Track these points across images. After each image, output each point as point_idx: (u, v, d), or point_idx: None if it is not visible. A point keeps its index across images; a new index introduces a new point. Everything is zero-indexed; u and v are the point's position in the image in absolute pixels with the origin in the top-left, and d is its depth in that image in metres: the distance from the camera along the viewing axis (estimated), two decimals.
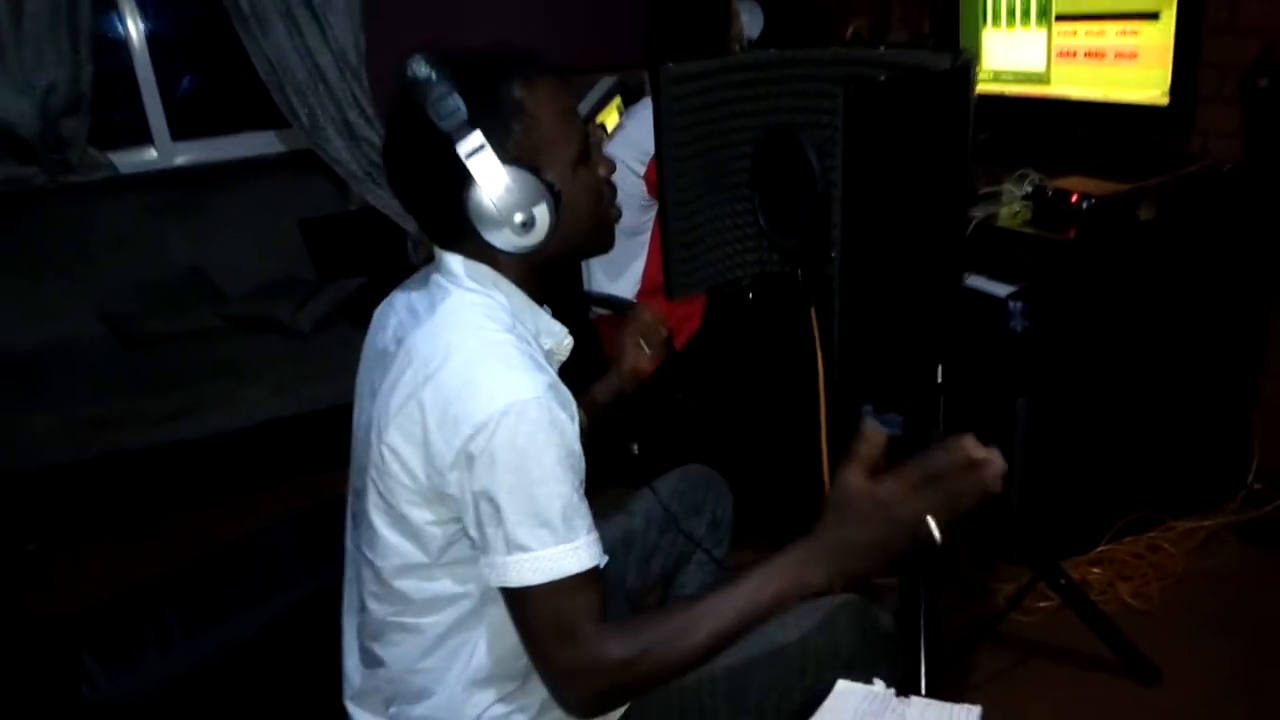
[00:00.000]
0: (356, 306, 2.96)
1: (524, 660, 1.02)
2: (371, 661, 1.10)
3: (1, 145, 2.91)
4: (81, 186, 3.06)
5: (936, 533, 0.90)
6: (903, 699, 0.92)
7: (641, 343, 1.44)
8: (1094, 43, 2.16)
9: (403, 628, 1.05)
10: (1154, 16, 2.01)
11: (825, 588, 0.95)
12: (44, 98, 2.89)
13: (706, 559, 1.43)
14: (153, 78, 3.22)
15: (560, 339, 1.11)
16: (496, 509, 0.92)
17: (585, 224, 1.07)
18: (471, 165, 0.96)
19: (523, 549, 0.92)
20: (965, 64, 1.01)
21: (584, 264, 2.30)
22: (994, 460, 0.90)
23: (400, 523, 1.00)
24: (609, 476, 1.51)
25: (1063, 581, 1.74)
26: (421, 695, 1.06)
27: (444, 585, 1.02)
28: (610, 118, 2.82)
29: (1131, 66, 2.09)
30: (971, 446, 0.90)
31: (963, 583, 1.99)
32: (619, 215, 1.14)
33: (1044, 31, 2.27)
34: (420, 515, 0.98)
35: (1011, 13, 2.35)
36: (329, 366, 2.75)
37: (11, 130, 2.88)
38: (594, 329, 2.35)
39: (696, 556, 1.43)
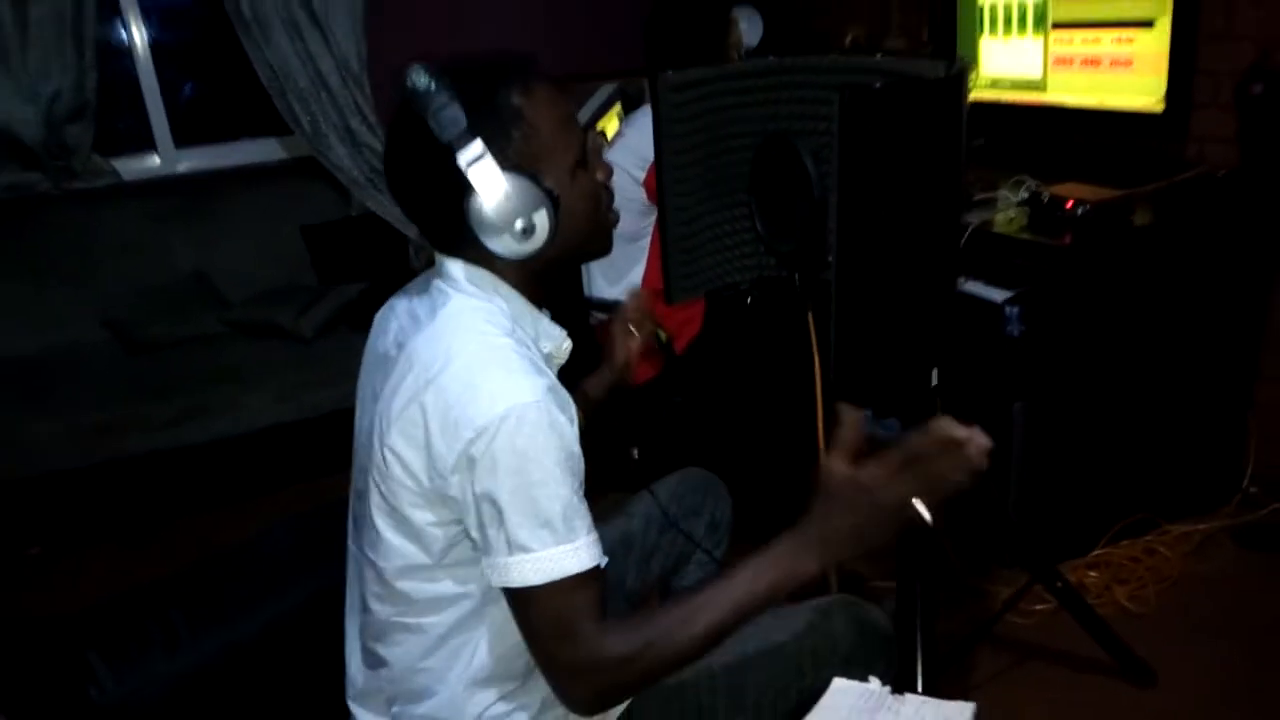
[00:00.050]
0: (358, 312, 2.97)
1: (525, 659, 1.04)
2: (374, 662, 1.11)
3: (6, 152, 2.93)
4: (85, 193, 3.08)
5: (925, 513, 0.92)
6: (898, 696, 0.94)
7: (631, 329, 1.45)
8: (1090, 50, 2.18)
9: (405, 628, 1.06)
10: (1149, 24, 2.03)
11: (818, 575, 0.97)
12: (49, 105, 2.91)
13: (706, 559, 1.44)
14: (156, 85, 3.25)
15: (559, 342, 1.12)
16: (498, 511, 0.93)
17: (584, 229, 1.09)
18: (472, 174, 0.97)
19: (524, 550, 0.93)
20: (959, 72, 1.03)
21: (584, 269, 2.32)
22: (976, 437, 0.91)
23: (403, 524, 1.01)
24: (609, 481, 1.52)
25: (1059, 584, 1.75)
26: (423, 695, 1.07)
27: (445, 586, 1.03)
28: (610, 125, 2.84)
29: (1127, 74, 2.11)
30: (950, 427, 0.91)
31: (960, 586, 1.99)
32: (617, 219, 1.15)
33: (1040, 39, 2.28)
34: (422, 517, 1.00)
35: (1009, 20, 2.37)
36: (330, 372, 2.76)
37: (16, 137, 2.90)
38: (594, 334, 2.36)
39: (696, 557, 1.45)
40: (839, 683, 0.96)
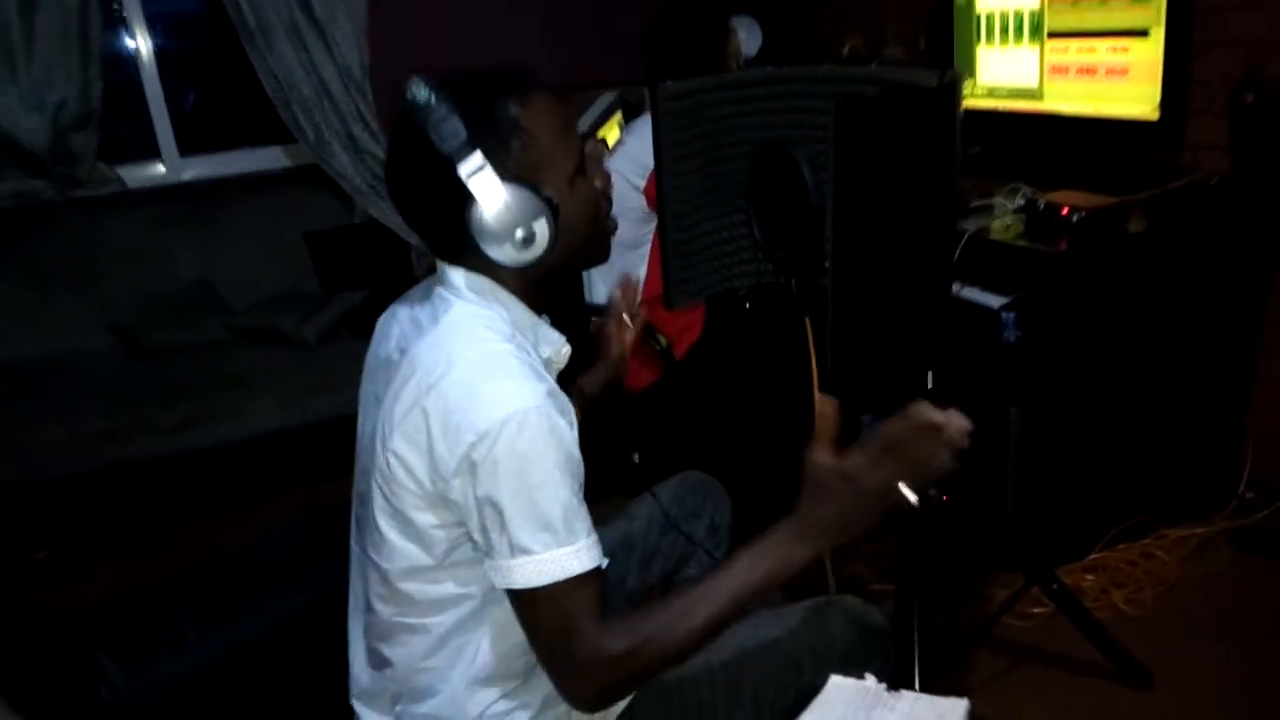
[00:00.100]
0: (360, 318, 2.99)
1: (526, 658, 1.06)
2: (379, 662, 1.13)
3: (12, 159, 2.95)
4: (90, 201, 3.10)
5: (911, 496, 0.94)
6: (894, 693, 0.95)
7: (626, 320, 1.47)
8: (1086, 59, 2.20)
9: (408, 628, 1.07)
10: (1144, 34, 2.05)
11: (810, 563, 0.99)
12: (54, 113, 2.93)
13: (707, 560, 1.46)
14: (161, 93, 3.27)
15: (559, 348, 1.14)
16: (500, 514, 0.95)
17: (583, 236, 1.10)
18: (472, 185, 0.99)
19: (526, 552, 0.95)
20: (952, 81, 1.05)
21: (584, 275, 2.33)
22: (954, 419, 0.93)
23: (406, 527, 1.03)
24: (610, 485, 1.53)
25: (1055, 587, 1.76)
26: (426, 694, 1.09)
27: (447, 587, 1.05)
28: (611, 133, 2.87)
29: (1122, 82, 2.12)
30: (928, 411, 0.93)
31: (958, 589, 2.01)
32: (615, 226, 1.17)
33: (1037, 48, 2.30)
34: (425, 519, 1.01)
35: (1005, 30, 2.39)
36: (333, 378, 2.78)
37: (22, 145, 2.92)
38: (594, 340, 2.38)
39: (696, 558, 1.46)
40: (836, 680, 0.97)
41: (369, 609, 1.12)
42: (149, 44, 3.23)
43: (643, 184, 2.17)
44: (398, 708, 1.13)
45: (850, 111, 1.09)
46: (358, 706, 1.17)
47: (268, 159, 3.46)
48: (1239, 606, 1.95)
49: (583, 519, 0.99)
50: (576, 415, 1.04)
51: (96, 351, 3.00)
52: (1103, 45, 2.15)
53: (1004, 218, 1.99)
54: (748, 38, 2.71)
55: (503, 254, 1.03)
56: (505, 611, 1.03)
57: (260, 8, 2.98)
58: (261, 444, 2.74)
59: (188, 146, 3.36)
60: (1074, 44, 2.22)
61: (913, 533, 1.40)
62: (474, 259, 1.05)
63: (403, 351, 1.04)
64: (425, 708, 1.09)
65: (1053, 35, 2.26)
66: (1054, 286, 1.88)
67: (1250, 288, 2.14)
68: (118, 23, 3.23)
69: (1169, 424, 2.12)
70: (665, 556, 1.46)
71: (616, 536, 1.42)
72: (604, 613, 0.98)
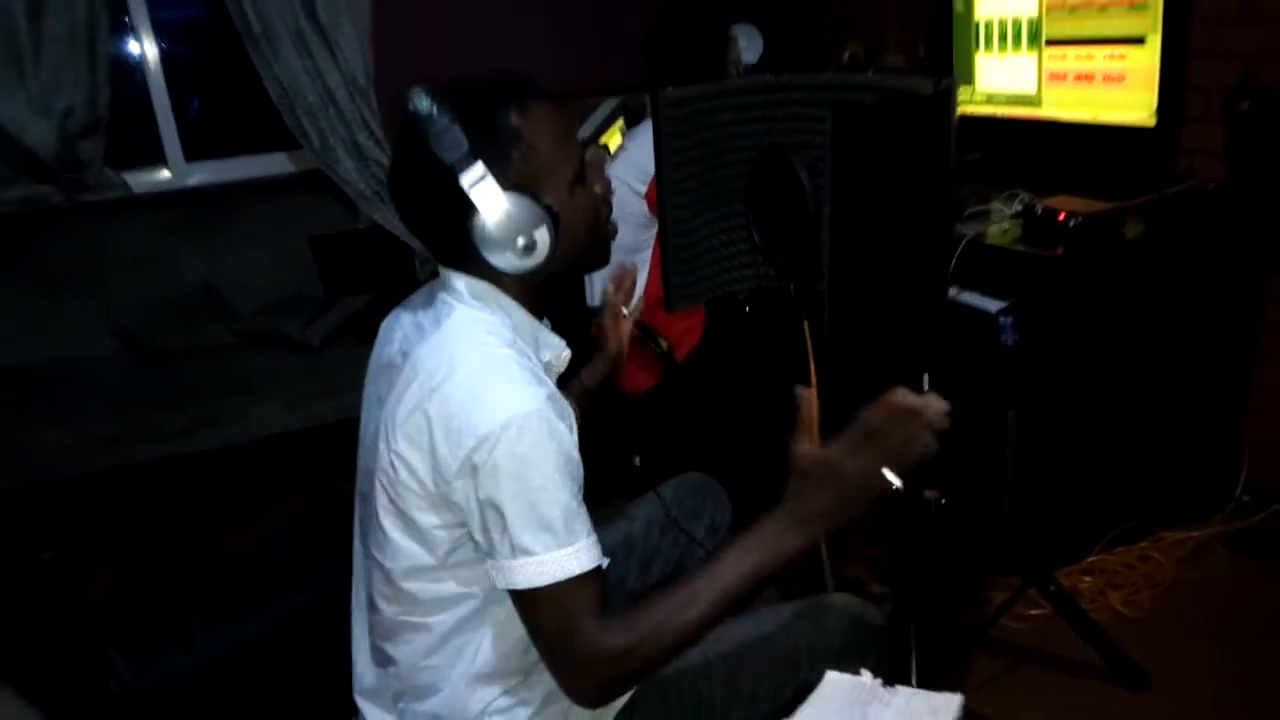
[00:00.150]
0: (364, 322, 3.01)
1: (527, 656, 1.07)
2: (383, 660, 1.15)
3: (20, 165, 2.97)
4: (97, 206, 3.12)
5: (895, 481, 0.96)
6: (889, 689, 0.97)
7: (622, 311, 1.48)
8: (1083, 66, 2.22)
9: (411, 627, 1.09)
10: (1140, 41, 2.07)
11: (801, 554, 1.01)
12: (62, 119, 2.95)
13: (706, 559, 1.47)
14: (167, 100, 3.29)
15: (559, 351, 1.16)
16: (501, 516, 0.97)
17: (583, 242, 1.13)
18: (474, 194, 1.01)
19: (527, 553, 0.97)
20: (947, 88, 1.07)
21: (586, 280, 2.35)
22: (931, 402, 0.95)
23: (409, 527, 1.05)
24: (612, 488, 1.55)
25: (1052, 588, 1.77)
26: (428, 691, 1.10)
27: (449, 586, 1.06)
28: (613, 139, 2.89)
29: (1119, 89, 2.14)
30: (905, 396, 0.95)
31: (956, 592, 2.02)
32: (615, 231, 1.19)
33: (1035, 56, 2.32)
34: (428, 520, 1.03)
35: (1004, 37, 2.41)
36: (337, 382, 2.80)
37: (30, 151, 2.94)
38: (595, 344, 2.40)
39: (696, 557, 1.48)
40: (832, 675, 0.99)
41: (373, 608, 1.14)
42: (155, 50, 3.25)
43: (644, 189, 2.19)
44: (400, 705, 1.14)
45: (847, 118, 1.11)
46: (361, 703, 1.19)
47: (273, 165, 3.47)
48: (1235, 609, 1.97)
49: (582, 520, 1.00)
50: (576, 410, 1.06)
51: (102, 355, 3.02)
52: (1100, 53, 2.17)
53: (1002, 223, 2.00)
54: (748, 45, 2.73)
55: (504, 261, 1.05)
56: (506, 611, 1.04)
57: (266, 14, 3.00)
58: (266, 447, 2.76)
59: (193, 152, 3.38)
60: (1072, 51, 2.24)
61: (911, 535, 1.42)
62: (476, 265, 1.07)
63: (405, 355, 1.06)
64: (427, 705, 1.11)
65: (1051, 43, 2.28)
66: (1051, 291, 1.90)
67: (1246, 294, 2.15)
68: (124, 29, 3.25)
69: (1166, 428, 2.14)
70: (665, 557, 1.47)
71: (617, 538, 1.44)
72: (604, 611, 1.00)
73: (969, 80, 2.53)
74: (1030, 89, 2.36)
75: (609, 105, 2.98)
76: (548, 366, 1.13)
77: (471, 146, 1.01)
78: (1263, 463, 2.21)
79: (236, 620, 1.34)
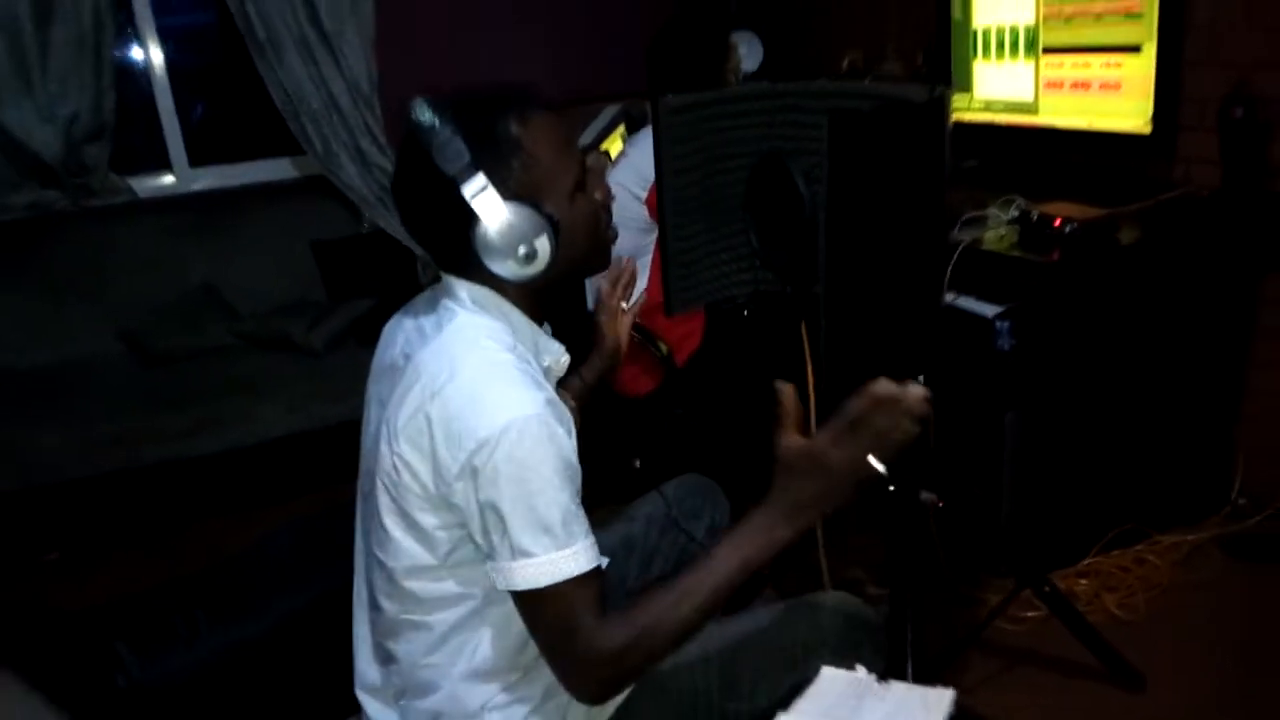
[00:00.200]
0: (367, 326, 3.02)
1: (526, 654, 1.09)
2: (385, 658, 1.16)
3: (26, 170, 3.00)
4: (102, 210, 3.15)
5: (879, 468, 0.98)
6: (883, 683, 0.99)
7: (622, 305, 1.50)
8: (1080, 74, 2.24)
9: (413, 625, 1.11)
10: (1136, 50, 2.09)
11: (788, 543, 1.03)
12: (68, 125, 2.98)
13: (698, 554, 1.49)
14: (172, 106, 3.31)
15: (558, 356, 1.18)
16: (501, 518, 0.99)
17: (583, 248, 1.15)
18: (476, 204, 1.03)
19: (526, 555, 0.99)
20: (941, 96, 1.09)
21: (588, 284, 2.37)
22: (911, 390, 0.97)
23: (411, 527, 1.06)
24: (612, 492, 1.56)
25: (1047, 589, 1.79)
26: (429, 689, 1.12)
27: (449, 586, 1.08)
28: (615, 145, 2.91)
29: (1116, 97, 2.16)
30: (885, 385, 0.97)
31: (953, 594, 2.03)
32: (615, 236, 1.21)
33: (1032, 63, 2.34)
34: (428, 520, 1.05)
35: (1001, 45, 2.43)
36: (339, 385, 2.81)
37: (36, 156, 2.97)
38: (592, 341, 2.41)
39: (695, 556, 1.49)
40: (828, 671, 1.01)
41: (375, 606, 1.16)
42: (160, 57, 3.27)
43: (645, 195, 2.21)
44: (402, 702, 1.16)
45: (842, 125, 1.13)
46: (363, 699, 1.20)
47: (276, 170, 3.50)
48: (1230, 611, 1.98)
49: (580, 522, 1.02)
50: (575, 408, 1.07)
51: (107, 357, 3.03)
52: (1097, 61, 2.19)
53: (998, 229, 2.02)
54: (749, 53, 2.76)
55: (505, 269, 1.07)
56: (506, 609, 1.06)
57: (271, 22, 3.03)
58: (269, 449, 2.77)
59: (198, 157, 3.40)
60: (1069, 59, 2.26)
61: (907, 536, 1.44)
62: (477, 272, 1.09)
63: (407, 357, 1.08)
64: (428, 702, 1.12)
65: (1048, 51, 2.30)
66: (1047, 296, 1.92)
67: (1241, 299, 2.17)
68: (130, 36, 3.28)
69: (1161, 432, 2.15)
70: (665, 556, 1.49)
71: (617, 538, 1.45)
72: (603, 610, 1.01)
73: (967, 88, 2.55)
74: (1028, 96, 2.38)
75: (610, 112, 3.00)
76: (547, 371, 1.15)
77: (473, 157, 1.02)
78: (1257, 467, 2.22)
79: (240, 617, 1.36)
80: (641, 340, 2.06)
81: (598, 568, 1.02)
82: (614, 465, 1.75)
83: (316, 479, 2.61)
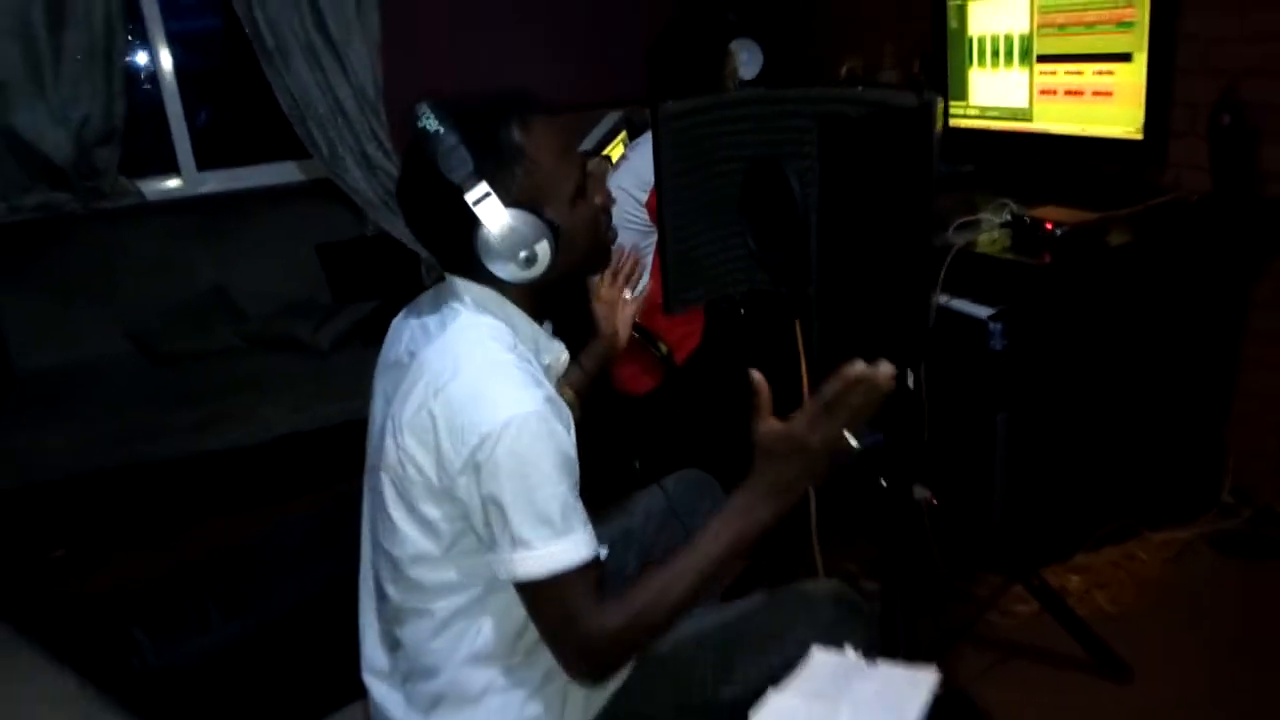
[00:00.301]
0: (371, 327, 3.06)
1: (526, 640, 1.13)
2: (392, 643, 1.20)
3: (37, 173, 3.04)
4: (112, 213, 3.19)
5: (854, 442, 1.04)
6: (871, 664, 1.03)
7: (625, 294, 1.55)
8: (1073, 82, 2.27)
9: (417, 612, 1.14)
10: (1127, 58, 2.12)
11: (770, 524, 1.08)
12: (79, 129, 3.02)
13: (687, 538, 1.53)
14: (181, 110, 3.36)
15: (558, 355, 1.22)
16: (502, 510, 1.03)
17: (584, 251, 1.19)
18: (479, 210, 1.07)
19: (527, 546, 1.03)
20: (928, 103, 1.12)
21: (588, 285, 2.41)
22: (880, 369, 1.02)
23: (416, 518, 1.10)
24: (612, 491, 1.59)
25: (1036, 583, 1.82)
26: (432, 673, 1.15)
27: (452, 575, 1.12)
28: (616, 150, 2.96)
29: (1108, 104, 2.19)
30: (856, 367, 1.02)
31: (946, 588, 2.07)
32: (615, 238, 1.26)
33: (1026, 72, 2.38)
34: (433, 512, 1.09)
35: (996, 54, 2.47)
36: (344, 385, 2.84)
37: (47, 159, 3.01)
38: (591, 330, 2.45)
39: None
40: (817, 651, 1.05)
41: (381, 594, 1.20)
42: (170, 62, 3.32)
43: (645, 198, 2.25)
44: (407, 685, 1.20)
45: (832, 130, 1.17)
46: (370, 682, 1.24)
47: (283, 173, 3.55)
48: (1219, 607, 2.01)
49: (579, 513, 1.06)
50: (575, 398, 1.11)
51: (116, 358, 3.07)
52: (1089, 69, 2.22)
53: (991, 232, 2.05)
54: (749, 60, 2.79)
55: (507, 272, 1.11)
56: (506, 597, 1.10)
57: (278, 28, 3.07)
58: (275, 447, 2.80)
59: (205, 161, 3.44)
60: (1062, 68, 2.29)
61: (901, 532, 1.47)
62: (480, 274, 1.13)
63: (412, 354, 1.12)
64: (431, 686, 1.16)
65: (1041, 59, 2.33)
66: (1039, 297, 1.94)
67: (1230, 301, 2.20)
68: (140, 41, 3.33)
69: (1152, 431, 2.18)
70: (663, 549, 1.51)
71: (616, 530, 1.49)
72: (601, 597, 1.05)
73: (963, 95, 2.59)
74: (1022, 103, 2.42)
75: (612, 118, 3.05)
76: (547, 369, 1.18)
77: (476, 164, 1.06)
78: (1247, 466, 2.26)
79: (252, 604, 1.40)
80: (642, 340, 2.09)
81: (596, 557, 1.06)
82: (614, 465, 1.78)
83: (321, 477, 2.63)
